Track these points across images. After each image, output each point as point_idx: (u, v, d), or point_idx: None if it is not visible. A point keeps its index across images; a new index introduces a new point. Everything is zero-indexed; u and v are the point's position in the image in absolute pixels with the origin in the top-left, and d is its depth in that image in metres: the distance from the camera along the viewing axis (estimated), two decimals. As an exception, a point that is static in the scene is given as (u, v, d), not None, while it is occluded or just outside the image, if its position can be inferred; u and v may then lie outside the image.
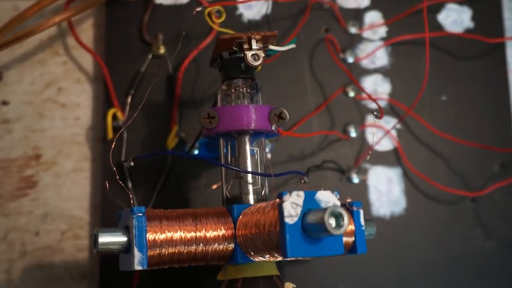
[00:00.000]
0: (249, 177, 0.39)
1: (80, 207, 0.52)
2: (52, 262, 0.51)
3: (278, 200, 0.32)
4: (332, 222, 0.30)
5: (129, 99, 0.51)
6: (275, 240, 0.32)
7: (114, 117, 0.50)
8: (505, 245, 0.52)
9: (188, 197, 0.50)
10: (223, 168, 0.40)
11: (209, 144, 0.50)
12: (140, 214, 0.34)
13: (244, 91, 0.40)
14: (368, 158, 0.52)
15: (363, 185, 0.52)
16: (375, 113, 0.41)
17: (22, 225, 0.51)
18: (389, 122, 0.53)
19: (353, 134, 0.53)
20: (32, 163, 0.52)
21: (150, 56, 0.52)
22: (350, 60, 0.54)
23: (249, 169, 0.39)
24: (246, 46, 0.38)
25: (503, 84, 0.55)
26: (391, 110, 0.54)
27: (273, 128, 0.37)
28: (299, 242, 0.31)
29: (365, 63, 0.54)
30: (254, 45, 0.38)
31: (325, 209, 0.30)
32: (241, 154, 0.39)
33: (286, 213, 0.31)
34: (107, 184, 0.40)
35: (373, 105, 0.53)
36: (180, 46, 0.51)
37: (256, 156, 0.40)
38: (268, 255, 0.34)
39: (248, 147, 0.39)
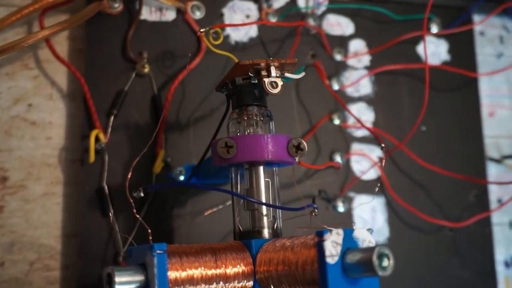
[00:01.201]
0: (264, 210, 0.37)
1: (51, 235, 0.48)
2: (18, 297, 0.46)
3: (314, 238, 0.31)
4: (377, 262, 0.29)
5: (111, 120, 0.48)
6: (310, 278, 0.31)
7: (96, 138, 0.46)
8: (480, 274, 0.54)
9: (173, 226, 0.48)
10: (235, 200, 0.38)
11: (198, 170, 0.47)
12: (161, 252, 0.31)
13: (258, 119, 0.38)
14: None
15: (348, 214, 0.52)
16: (383, 145, 0.40)
17: (-15, 255, 0.46)
18: (373, 151, 0.54)
19: (339, 161, 0.52)
20: (-3, 186, 0.47)
21: (133, 75, 0.49)
22: (336, 87, 0.54)
23: (263, 200, 0.37)
24: (264, 73, 0.37)
25: (477, 115, 0.57)
26: (374, 139, 0.54)
27: (296, 160, 0.36)
28: (339, 282, 0.30)
29: (350, 90, 0.54)
30: (273, 72, 0.36)
31: (372, 249, 0.29)
32: (255, 184, 0.37)
33: (327, 253, 0.30)
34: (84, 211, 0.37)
35: (358, 133, 0.53)
36: (165, 65, 0.49)
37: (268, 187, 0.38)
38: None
39: (262, 178, 0.37)
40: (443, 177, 0.54)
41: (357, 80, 0.54)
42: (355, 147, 0.53)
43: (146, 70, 0.49)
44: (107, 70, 0.48)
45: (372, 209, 0.53)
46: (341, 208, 0.51)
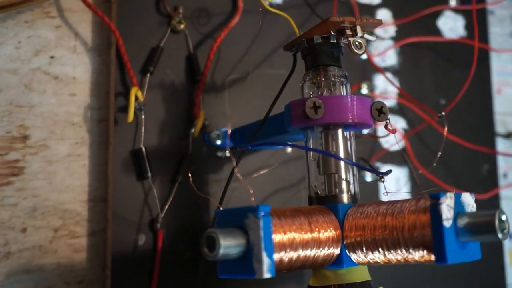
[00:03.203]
0: (342, 173, 0.36)
1: (77, 200, 0.44)
2: (42, 265, 0.42)
3: (426, 202, 0.30)
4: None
5: (147, 77, 0.44)
6: (419, 242, 0.30)
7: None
8: (487, 245, 0.55)
9: (209, 191, 0.45)
10: (311, 164, 0.36)
11: (234, 134, 0.45)
12: (266, 214, 0.29)
13: (337, 80, 0.36)
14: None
15: (375, 184, 0.52)
16: (443, 113, 0.40)
17: (5, 220, 0.41)
18: (398, 122, 0.54)
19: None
20: (17, 145, 0.43)
21: (169, 30, 0.45)
22: (364, 56, 0.53)
23: (342, 164, 0.36)
24: (349, 32, 0.35)
25: (488, 92, 0.59)
26: (399, 109, 0.54)
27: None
28: (453, 245, 0.29)
29: (377, 60, 0.54)
30: (359, 32, 0.35)
31: (493, 213, 0.29)
32: (334, 147, 0.36)
33: (444, 216, 0.29)
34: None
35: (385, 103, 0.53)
36: (201, 23, 0.46)
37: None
38: (394, 257, 0.32)
39: (341, 141, 0.36)
40: (459, 151, 0.55)
41: (385, 50, 0.54)
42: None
43: (182, 26, 0.46)
44: (140, 24, 0.45)
45: (396, 180, 0.53)
46: (368, 178, 0.51)
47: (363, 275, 0.35)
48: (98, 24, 0.46)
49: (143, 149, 0.43)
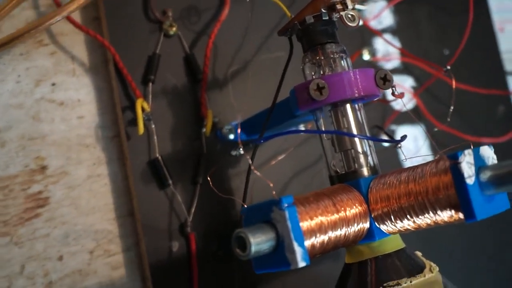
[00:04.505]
0: (358, 147, 0.36)
1: (105, 218, 0.44)
2: (85, 288, 0.43)
3: (446, 162, 0.30)
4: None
5: (150, 86, 0.44)
6: (445, 203, 0.30)
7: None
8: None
9: (232, 186, 0.46)
10: (326, 143, 0.36)
11: (245, 126, 0.45)
12: (290, 204, 0.30)
13: (336, 56, 0.36)
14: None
15: (394, 149, 0.52)
16: (448, 67, 0.40)
17: (40, 252, 0.42)
18: (405, 81, 0.53)
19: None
20: (38, 177, 0.43)
21: (162, 36, 0.45)
22: (360, 22, 0.52)
23: (356, 138, 0.36)
24: (339, 6, 0.35)
25: (491, 31, 0.58)
26: (405, 68, 0.54)
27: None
28: (480, 201, 0.29)
29: (374, 24, 0.53)
30: (350, 4, 0.35)
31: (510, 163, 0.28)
32: (345, 124, 0.36)
33: (466, 174, 0.29)
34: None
35: (388, 66, 0.53)
36: (192, 21, 0.46)
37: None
38: (423, 222, 0.32)
39: (351, 116, 0.36)
40: (470, 96, 0.54)
41: (379, 12, 0.53)
42: (388, 80, 0.52)
43: (174, 29, 0.46)
44: (132, 35, 0.45)
45: (414, 138, 0.52)
46: (385, 144, 0.51)
47: (397, 243, 0.35)
48: (92, 42, 0.46)
49: (159, 157, 0.43)
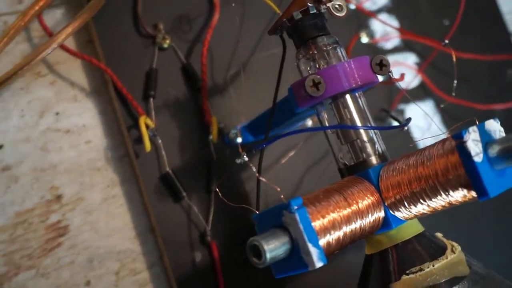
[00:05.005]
0: (364, 136, 0.35)
1: (126, 238, 0.45)
2: (115, 310, 0.44)
3: (451, 142, 0.29)
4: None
5: (151, 102, 0.44)
6: (456, 183, 0.30)
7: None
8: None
9: (246, 190, 0.46)
10: (331, 137, 0.36)
11: (251, 128, 0.45)
12: (300, 206, 0.29)
13: (329, 48, 0.36)
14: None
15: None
16: (446, 41, 0.39)
17: (68, 279, 0.43)
18: (408, 58, 0.52)
19: (380, 78, 0.51)
20: (54, 207, 0.44)
21: (156, 50, 0.45)
22: (352, 6, 0.52)
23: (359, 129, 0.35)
24: (324, -2, 0.34)
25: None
26: (405, 46, 0.53)
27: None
28: (491, 178, 0.29)
29: (368, 5, 0.52)
30: (334, -6, 0.34)
31: (520, 134, 0.28)
32: (347, 115, 0.35)
33: (473, 152, 0.29)
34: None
35: (388, 45, 0.52)
36: (184, 31, 0.46)
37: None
38: (438, 204, 0.31)
39: (352, 106, 0.35)
40: (477, 64, 0.53)
41: (372, -8, 0.52)
42: (390, 59, 0.51)
43: (168, 41, 0.46)
44: (127, 54, 0.45)
45: (424, 115, 0.52)
46: (396, 122, 0.50)
47: (416, 228, 0.34)
48: (89, 66, 0.46)
49: (170, 171, 0.44)
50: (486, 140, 0.30)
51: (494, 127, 0.30)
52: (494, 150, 0.29)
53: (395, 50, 0.52)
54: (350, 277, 0.38)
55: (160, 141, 0.44)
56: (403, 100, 0.51)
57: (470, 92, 0.54)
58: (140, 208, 0.45)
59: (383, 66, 0.35)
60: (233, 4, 0.39)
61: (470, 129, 0.29)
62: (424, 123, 0.52)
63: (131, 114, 0.44)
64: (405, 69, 0.52)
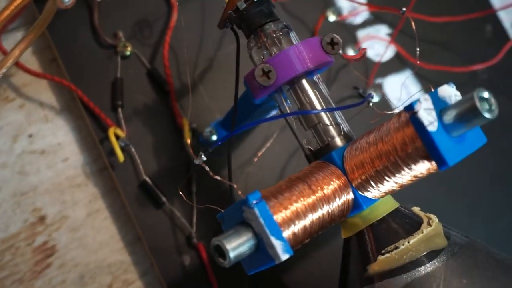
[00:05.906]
0: (325, 119, 0.34)
1: (114, 250, 0.45)
2: (113, 322, 0.43)
3: (404, 115, 0.28)
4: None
5: (120, 112, 0.44)
6: (416, 156, 0.29)
7: (116, 136, 0.43)
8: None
9: (225, 187, 0.45)
10: (293, 124, 0.35)
11: (224, 124, 0.45)
12: (258, 200, 0.29)
13: (278, 34, 0.35)
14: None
15: (384, 100, 0.50)
16: (404, 9, 0.38)
17: (61, 299, 0.43)
18: (380, 30, 0.51)
19: (352, 53, 0.50)
20: (39, 229, 0.44)
21: (119, 59, 0.45)
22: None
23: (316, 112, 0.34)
24: (265, -17, 0.33)
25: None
26: (376, 18, 0.51)
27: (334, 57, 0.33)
28: (449, 145, 0.28)
29: (331, -19, 0.51)
30: (274, -22, 0.33)
31: (470, 97, 0.27)
32: (306, 99, 0.34)
33: (426, 122, 0.28)
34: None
35: (358, 19, 0.51)
36: (145, 35, 0.45)
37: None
38: (404, 179, 0.30)
39: (310, 89, 0.34)
40: (454, 26, 0.52)
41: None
42: (361, 34, 0.50)
43: (129, 48, 0.45)
44: (90, 67, 0.45)
45: (403, 86, 0.50)
46: (375, 98, 0.49)
47: (389, 205, 0.33)
48: (55, 85, 0.46)
49: (147, 179, 0.43)
50: (441, 107, 0.29)
51: (449, 92, 0.29)
52: (449, 116, 0.28)
53: (366, 24, 0.51)
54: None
55: (133, 149, 0.44)
56: (379, 74, 0.50)
57: (452, 56, 0.52)
58: (125, 218, 0.45)
59: (334, 45, 0.34)
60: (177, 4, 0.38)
61: (421, 97, 0.28)
62: (405, 93, 0.50)
63: (102, 127, 0.44)
64: (379, 42, 0.51)
